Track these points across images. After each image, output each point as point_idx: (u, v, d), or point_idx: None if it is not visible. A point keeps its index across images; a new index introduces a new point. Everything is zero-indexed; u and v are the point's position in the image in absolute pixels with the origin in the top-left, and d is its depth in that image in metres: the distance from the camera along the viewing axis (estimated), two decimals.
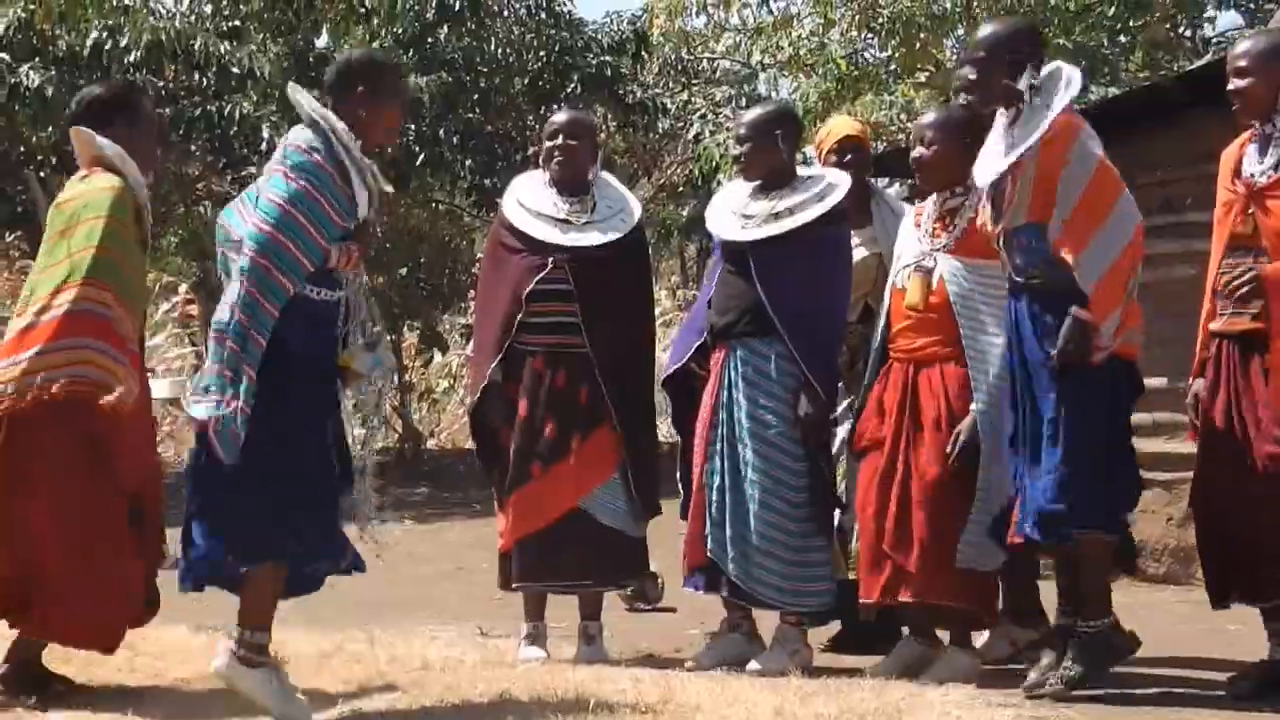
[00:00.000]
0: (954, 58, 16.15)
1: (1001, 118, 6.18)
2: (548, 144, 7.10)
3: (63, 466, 5.85)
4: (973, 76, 6.17)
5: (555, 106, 17.77)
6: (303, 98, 5.69)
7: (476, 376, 7.09)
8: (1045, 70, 6.15)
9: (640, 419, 7.10)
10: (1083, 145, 6.01)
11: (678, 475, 7.08)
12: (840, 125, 7.52)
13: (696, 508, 6.81)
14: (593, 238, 6.99)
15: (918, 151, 6.64)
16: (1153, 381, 9.45)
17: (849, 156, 7.20)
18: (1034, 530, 6.08)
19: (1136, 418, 9.47)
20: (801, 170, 7.03)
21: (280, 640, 6.76)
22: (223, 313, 5.42)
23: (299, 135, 5.62)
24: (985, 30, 6.34)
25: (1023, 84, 6.04)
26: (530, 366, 6.95)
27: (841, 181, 6.93)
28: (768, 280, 6.69)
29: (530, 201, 7.09)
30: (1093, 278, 5.92)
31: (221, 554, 5.54)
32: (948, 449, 6.39)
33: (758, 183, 6.91)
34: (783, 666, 6.54)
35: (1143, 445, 9.49)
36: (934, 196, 6.67)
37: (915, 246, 6.64)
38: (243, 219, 5.57)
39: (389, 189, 5.82)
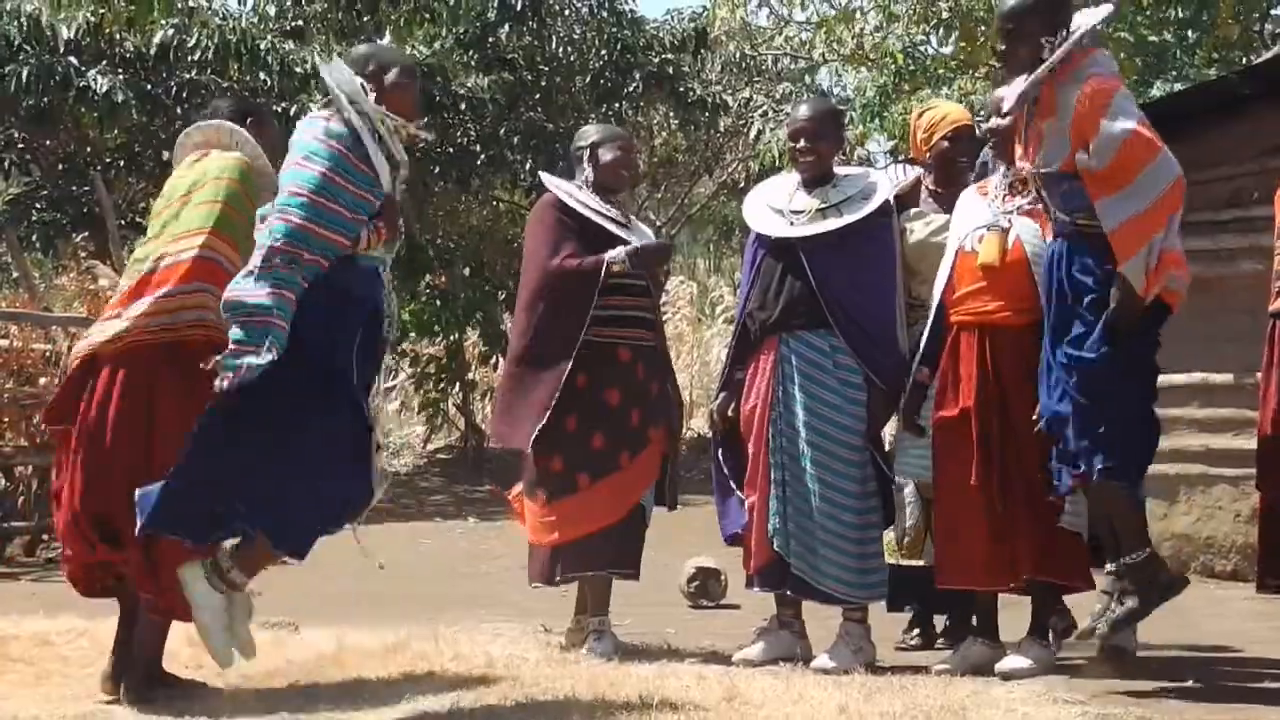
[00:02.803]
0: None
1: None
2: (617, 155, 7.18)
3: (183, 413, 5.71)
4: (1002, 48, 6.19)
5: (617, 105, 17.83)
6: (334, 74, 5.73)
7: (553, 370, 6.98)
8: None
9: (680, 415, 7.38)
10: (1118, 107, 5.95)
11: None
12: (954, 112, 7.44)
13: (760, 509, 6.80)
14: (645, 237, 7.20)
15: (993, 122, 6.63)
16: (1219, 377, 9.46)
17: (962, 143, 7.19)
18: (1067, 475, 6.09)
19: (1203, 413, 9.51)
20: (838, 169, 7.05)
21: (344, 637, 6.83)
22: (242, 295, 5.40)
23: (312, 121, 5.65)
24: (1011, 1, 6.29)
25: (1045, 54, 6.03)
26: (615, 358, 7.00)
27: (883, 180, 7.03)
28: (822, 277, 6.72)
29: (584, 199, 7.15)
30: (1114, 223, 5.88)
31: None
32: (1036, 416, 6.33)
33: (799, 180, 6.95)
34: (847, 663, 6.53)
35: (1210, 441, 9.53)
36: (1003, 169, 6.65)
37: (985, 211, 6.61)
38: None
39: (404, 169, 5.81)
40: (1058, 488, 6.18)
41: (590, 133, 7.33)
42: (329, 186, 5.48)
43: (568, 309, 6.95)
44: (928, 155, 7.29)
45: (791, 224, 6.85)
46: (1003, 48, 6.23)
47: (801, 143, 6.91)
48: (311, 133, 5.59)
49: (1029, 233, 6.49)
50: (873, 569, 6.76)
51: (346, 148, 5.55)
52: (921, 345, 6.67)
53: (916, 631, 7.39)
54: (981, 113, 7.47)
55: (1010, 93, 6.29)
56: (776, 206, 6.94)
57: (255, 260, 5.42)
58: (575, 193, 7.19)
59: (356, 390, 5.58)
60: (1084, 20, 6.16)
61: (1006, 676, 6.24)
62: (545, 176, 7.46)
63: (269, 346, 5.31)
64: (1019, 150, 6.27)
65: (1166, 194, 5.94)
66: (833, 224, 6.77)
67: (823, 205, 6.83)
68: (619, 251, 6.99)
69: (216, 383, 5.36)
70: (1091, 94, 5.94)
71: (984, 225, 6.56)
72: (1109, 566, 6.32)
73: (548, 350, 6.97)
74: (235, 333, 5.35)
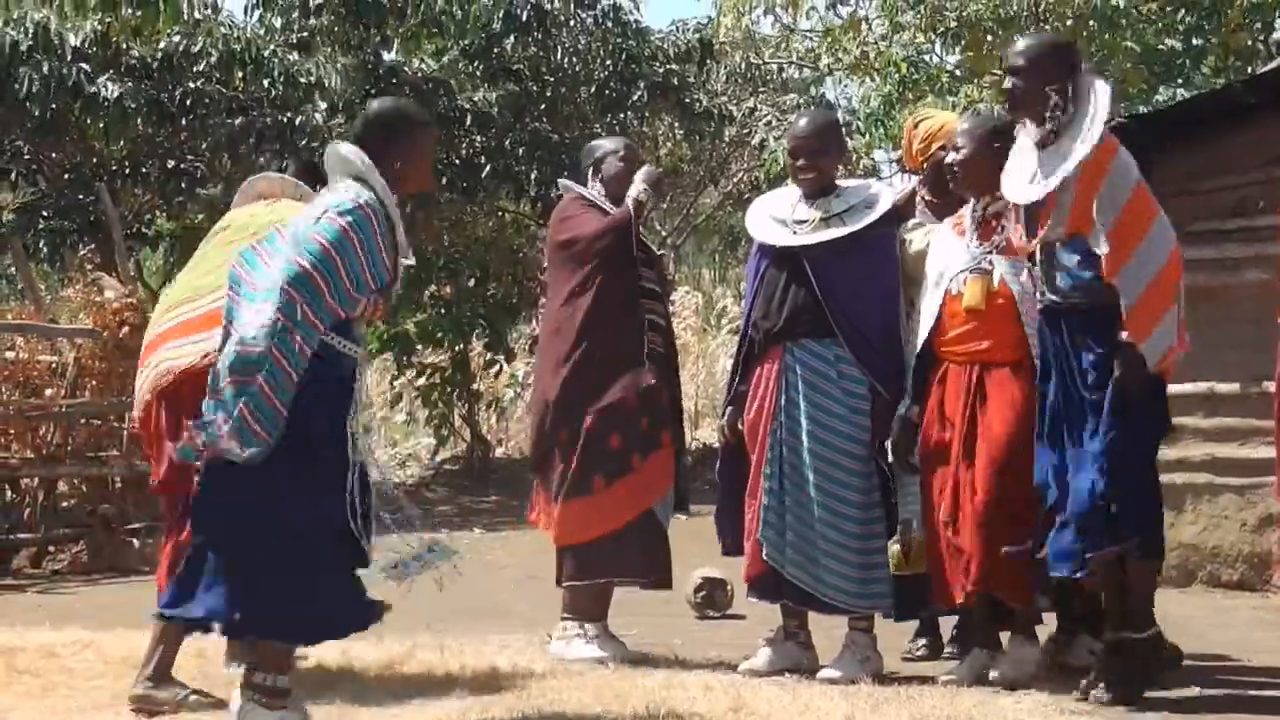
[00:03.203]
0: None
1: (1026, 136, 6.16)
2: (619, 164, 7.31)
3: None
4: (1018, 86, 6.13)
5: (622, 115, 17.85)
6: (347, 152, 5.52)
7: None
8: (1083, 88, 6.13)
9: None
10: (1120, 163, 6.01)
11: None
12: (951, 121, 7.41)
13: (753, 518, 6.82)
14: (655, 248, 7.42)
15: (950, 157, 6.65)
16: (1224, 387, 9.46)
17: None
18: (1066, 565, 6.09)
19: (1209, 423, 9.51)
20: (840, 181, 7.06)
21: (350, 649, 6.83)
22: (240, 349, 5.20)
23: (348, 187, 5.45)
24: (1026, 42, 6.29)
25: (1054, 100, 6.01)
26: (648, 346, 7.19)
27: (885, 190, 7.04)
28: (826, 285, 6.73)
29: (602, 204, 7.28)
30: (1130, 298, 5.92)
31: (230, 611, 5.30)
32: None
33: (801, 192, 6.96)
34: (854, 673, 6.53)
35: (1216, 450, 9.51)
36: (972, 203, 6.65)
37: (964, 253, 6.62)
38: (266, 264, 5.42)
39: (412, 261, 5.68)
40: (1070, 567, 6.14)
41: (594, 149, 7.49)
42: (346, 247, 5.30)
43: (620, 265, 7.10)
44: (924, 165, 7.28)
45: (794, 233, 6.85)
46: (1007, 84, 6.18)
47: (801, 160, 6.92)
48: (347, 196, 5.40)
49: (1010, 271, 6.51)
50: (877, 578, 6.74)
51: (374, 218, 5.39)
52: (909, 385, 6.68)
53: (923, 641, 7.37)
54: None
55: (1022, 178, 6.17)
56: (779, 217, 6.95)
57: (268, 313, 5.21)
58: (600, 201, 7.31)
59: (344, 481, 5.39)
60: (1100, 91, 6.10)
61: (1010, 686, 6.23)
62: (564, 182, 7.59)
63: (256, 434, 5.13)
64: (1016, 228, 6.25)
65: (1171, 258, 6.00)
66: (836, 232, 6.78)
67: (825, 215, 6.83)
68: (636, 185, 7.16)
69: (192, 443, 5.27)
70: (1095, 154, 5.95)
71: (966, 269, 6.57)
72: (1105, 637, 6.26)
73: (613, 316, 7.11)
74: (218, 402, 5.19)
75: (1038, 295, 6.23)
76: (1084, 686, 6.09)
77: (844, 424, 6.72)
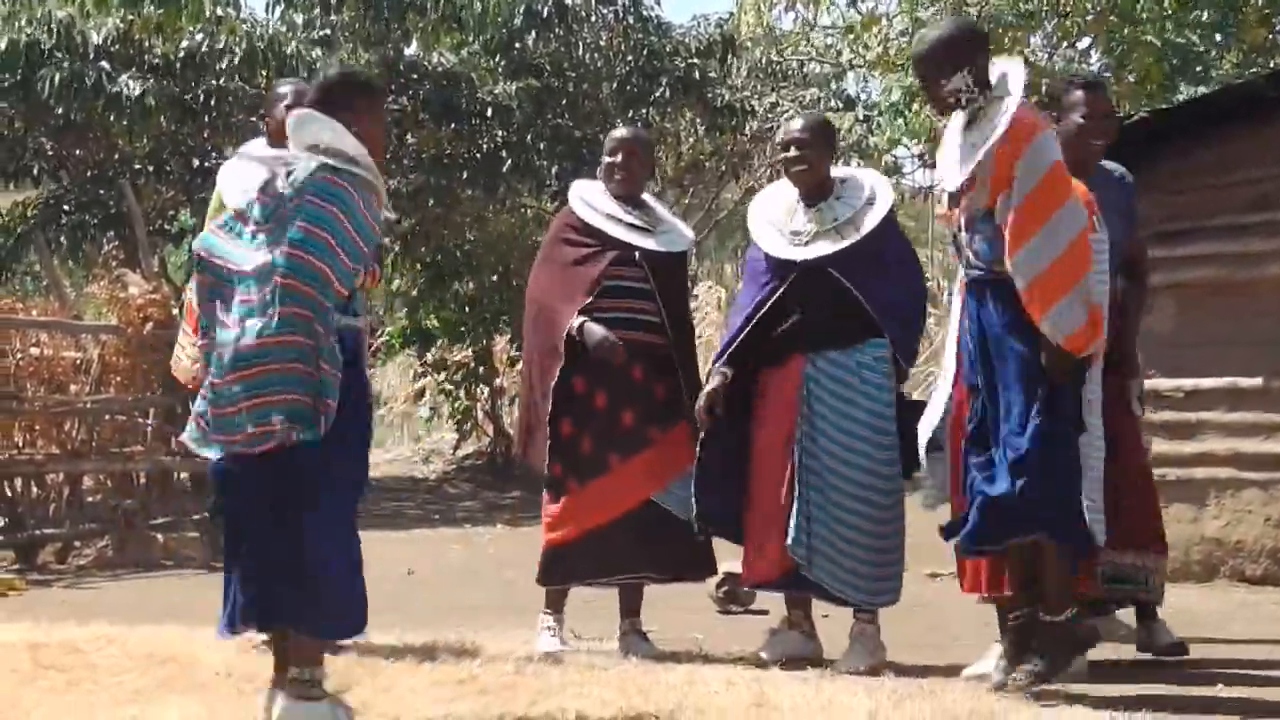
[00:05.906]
0: (1043, 55, 16.08)
1: (957, 119, 6.15)
2: (608, 160, 7.26)
3: None
4: (920, 83, 6.14)
5: (644, 110, 17.89)
6: (318, 124, 5.44)
7: (551, 360, 7.09)
8: (995, 70, 6.10)
9: None
10: (1039, 145, 5.94)
11: None
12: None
13: (779, 523, 6.81)
14: (668, 243, 7.21)
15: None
16: (1246, 381, 9.44)
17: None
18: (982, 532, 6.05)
19: (1232, 417, 9.50)
20: (834, 173, 7.05)
21: (373, 643, 6.85)
22: (252, 340, 5.19)
23: (318, 166, 5.38)
24: (924, 35, 6.27)
25: (954, 84, 5.98)
26: (606, 361, 7.01)
27: (882, 181, 7.04)
28: (860, 285, 6.70)
29: (600, 205, 7.24)
30: (1026, 278, 5.86)
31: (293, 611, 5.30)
32: None
33: (798, 195, 6.94)
34: (864, 665, 6.59)
35: (1240, 445, 9.50)
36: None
37: None
38: (236, 248, 5.39)
39: (393, 215, 5.62)
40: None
41: (608, 138, 7.42)
42: (339, 230, 5.29)
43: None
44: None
45: (802, 243, 6.83)
46: (920, 84, 6.19)
47: (795, 153, 6.88)
48: (323, 177, 5.36)
49: None
50: (893, 574, 6.83)
51: (357, 195, 5.37)
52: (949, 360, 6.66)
53: None
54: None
55: (950, 162, 6.17)
56: (779, 226, 6.94)
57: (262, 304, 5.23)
58: (589, 197, 7.29)
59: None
60: (1008, 70, 6.09)
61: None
62: (575, 184, 7.53)
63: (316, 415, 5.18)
64: (962, 204, 6.19)
65: (1078, 240, 5.92)
66: (849, 240, 6.78)
67: (835, 224, 6.81)
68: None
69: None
70: (1013, 130, 5.91)
71: None
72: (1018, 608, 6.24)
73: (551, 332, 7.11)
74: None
75: (962, 268, 6.17)
76: (998, 681, 6.08)
77: (868, 429, 6.72)
